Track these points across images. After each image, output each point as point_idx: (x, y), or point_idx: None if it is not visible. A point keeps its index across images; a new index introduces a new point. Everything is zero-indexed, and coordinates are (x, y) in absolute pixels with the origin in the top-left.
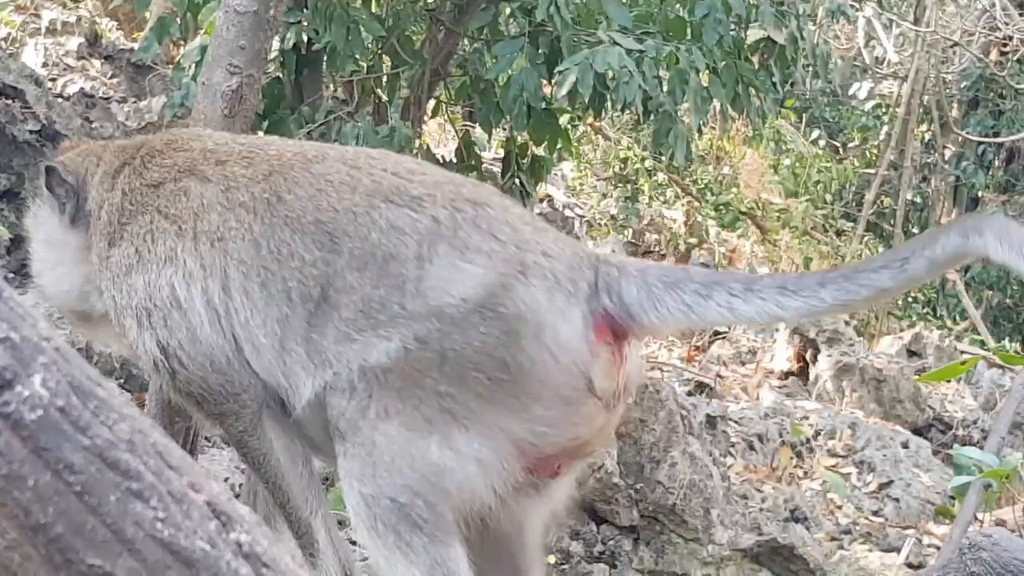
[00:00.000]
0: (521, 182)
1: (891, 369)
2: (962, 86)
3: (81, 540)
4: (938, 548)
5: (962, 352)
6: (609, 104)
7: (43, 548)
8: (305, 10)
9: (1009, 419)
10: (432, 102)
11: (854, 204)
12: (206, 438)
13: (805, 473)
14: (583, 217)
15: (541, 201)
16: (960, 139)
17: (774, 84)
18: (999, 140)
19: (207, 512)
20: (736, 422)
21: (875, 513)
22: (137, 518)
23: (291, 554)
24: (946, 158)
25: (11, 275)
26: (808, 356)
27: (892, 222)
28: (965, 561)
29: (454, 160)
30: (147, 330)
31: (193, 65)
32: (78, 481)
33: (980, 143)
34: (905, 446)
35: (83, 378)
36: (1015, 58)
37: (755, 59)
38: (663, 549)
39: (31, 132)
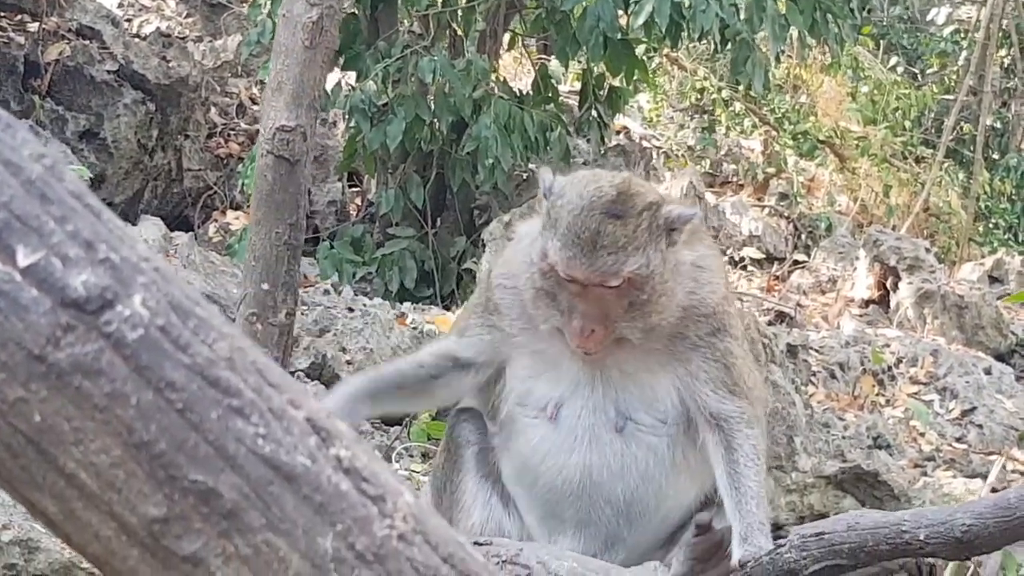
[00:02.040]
0: (598, 114)
1: (973, 295)
2: None
3: (184, 456)
4: (1021, 474)
5: None
6: (686, 33)
7: (146, 464)
8: None
9: None
10: (508, 35)
11: (933, 131)
12: (290, 372)
13: (887, 401)
14: (660, 148)
15: (618, 133)
16: None
17: (852, 10)
18: None
19: (307, 428)
20: (817, 351)
21: (958, 440)
22: (238, 434)
23: (389, 469)
24: None
25: None
26: (889, 284)
27: (972, 148)
28: None
29: (530, 93)
30: None
31: (269, 2)
32: (179, 399)
33: None
34: (988, 372)
35: (183, 297)
36: None
37: None
38: None
39: (108, 72)
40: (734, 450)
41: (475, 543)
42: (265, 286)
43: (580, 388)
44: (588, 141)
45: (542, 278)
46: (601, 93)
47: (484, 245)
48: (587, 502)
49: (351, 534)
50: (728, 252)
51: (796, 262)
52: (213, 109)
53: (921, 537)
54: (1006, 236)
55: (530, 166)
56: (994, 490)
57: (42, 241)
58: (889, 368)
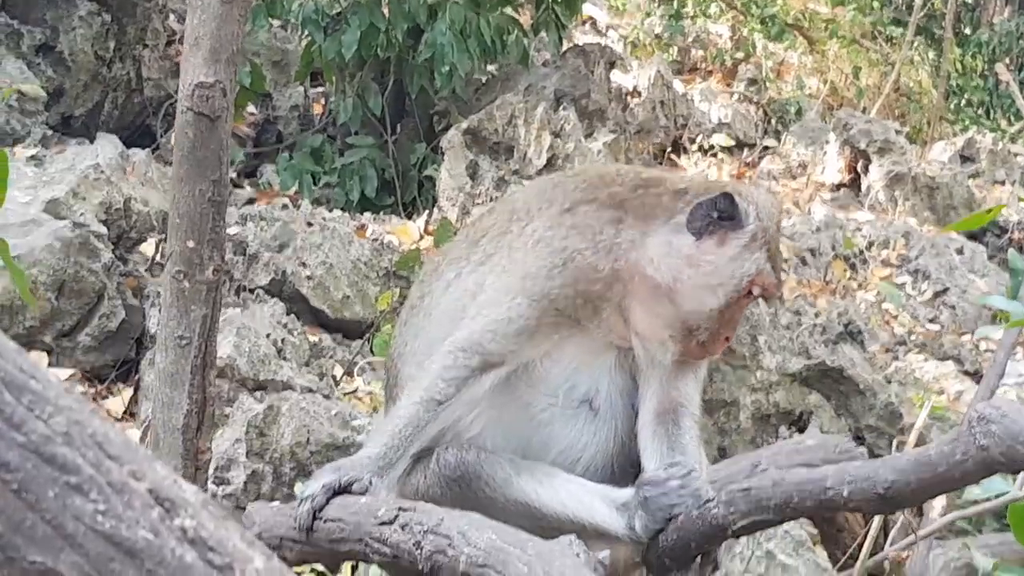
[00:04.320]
0: (556, 15)
1: (944, 176)
2: None
3: (21, 537)
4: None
5: (1016, 155)
6: None
7: None
8: None
9: None
10: None
11: (904, 7)
12: (249, 290)
13: (859, 285)
14: (626, 38)
15: (584, 23)
16: None
17: None
18: None
19: (149, 500)
20: (788, 237)
21: (931, 321)
22: (77, 512)
23: (239, 533)
24: None
25: (50, 131)
26: (859, 167)
27: (942, 25)
28: (974, 434)
29: None
30: None
31: None
32: (15, 479)
33: None
34: (960, 252)
35: (16, 372)
36: None
37: None
38: (711, 377)
39: None
40: (684, 431)
41: (400, 508)
42: (191, 243)
43: (610, 374)
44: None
45: (736, 296)
46: None
47: (443, 152)
48: (605, 473)
49: None
50: (697, 140)
51: (766, 148)
52: (172, 16)
53: (845, 493)
54: (977, 113)
55: (488, 69)
56: (967, 373)
57: None
58: (861, 252)
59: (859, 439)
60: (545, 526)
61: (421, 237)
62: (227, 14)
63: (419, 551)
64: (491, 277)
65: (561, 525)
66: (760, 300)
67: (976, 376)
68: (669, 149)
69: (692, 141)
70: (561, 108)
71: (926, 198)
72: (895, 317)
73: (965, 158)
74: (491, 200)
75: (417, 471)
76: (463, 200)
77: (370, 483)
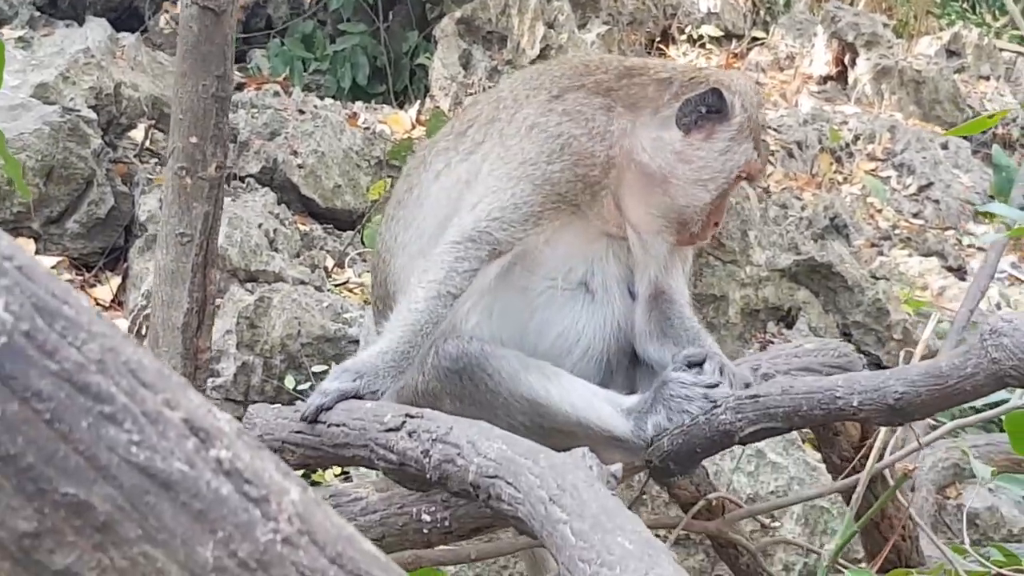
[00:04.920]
0: None
1: (930, 70)
2: None
3: (53, 469)
4: (979, 248)
5: (1001, 50)
6: None
7: (14, 479)
8: None
9: None
10: None
11: None
12: (240, 178)
13: (845, 178)
14: None
15: None
16: None
17: None
18: None
19: (184, 430)
20: (775, 130)
21: (915, 215)
22: (111, 443)
23: (274, 464)
24: None
25: (37, 12)
26: (847, 60)
27: None
28: (986, 348)
29: None
30: None
31: None
32: (47, 408)
33: None
34: (944, 147)
35: (48, 297)
36: None
37: None
38: (700, 272)
39: None
40: (686, 318)
41: (407, 415)
42: (194, 139)
43: (604, 260)
44: None
45: (727, 186)
46: None
47: (436, 41)
48: (600, 358)
49: (233, 541)
50: (687, 30)
51: (754, 39)
52: None
53: (855, 403)
54: (963, 8)
55: None
56: (950, 269)
57: None
58: (847, 145)
59: (846, 335)
60: (547, 425)
61: (413, 126)
62: None
63: (427, 459)
64: (486, 165)
65: (566, 425)
66: (749, 191)
67: (959, 271)
68: (658, 39)
69: (681, 32)
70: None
71: (912, 92)
72: (879, 211)
73: (951, 52)
74: (484, 90)
75: (413, 367)
76: (456, 90)
77: (385, 391)
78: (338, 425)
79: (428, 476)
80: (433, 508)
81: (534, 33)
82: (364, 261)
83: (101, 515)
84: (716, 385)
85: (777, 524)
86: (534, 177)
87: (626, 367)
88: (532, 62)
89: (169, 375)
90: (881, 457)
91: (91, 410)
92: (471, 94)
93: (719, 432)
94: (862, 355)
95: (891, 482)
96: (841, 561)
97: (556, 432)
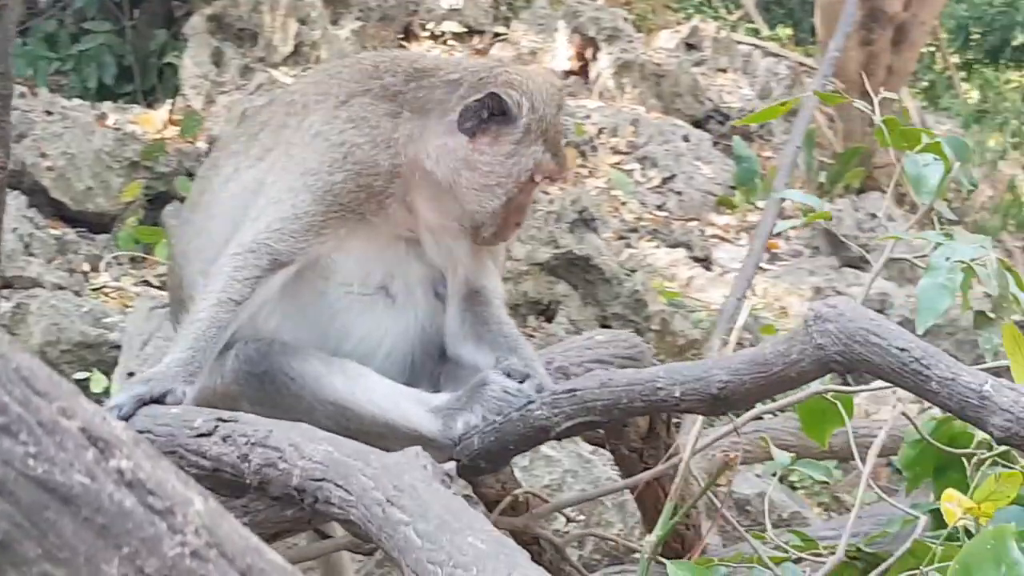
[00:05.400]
0: None
1: (670, 64)
2: None
3: None
4: (721, 238)
5: (738, 43)
6: None
7: None
8: None
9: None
10: None
11: None
12: None
13: (590, 172)
14: None
15: None
16: None
17: None
18: None
19: (82, 440)
20: None
21: (659, 208)
22: (6, 456)
23: (175, 473)
24: None
25: None
26: (588, 54)
27: None
28: (811, 333)
29: None
30: None
31: None
32: None
33: None
34: (686, 139)
35: None
36: None
37: None
38: None
39: None
40: (501, 321)
41: (219, 419)
42: None
43: (404, 264)
44: None
45: (518, 189)
46: None
47: (186, 39)
48: (404, 360)
49: (139, 556)
50: (428, 27)
51: (496, 35)
52: None
53: (677, 394)
54: (700, 2)
55: None
56: (696, 259)
57: None
58: (591, 139)
59: (605, 327)
60: (354, 427)
61: (165, 126)
62: None
63: (246, 464)
64: (272, 176)
65: (372, 426)
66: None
67: (706, 262)
68: (401, 36)
69: (423, 27)
70: None
71: (653, 85)
72: (624, 204)
73: (690, 46)
74: (237, 89)
75: (212, 370)
76: (208, 88)
77: (183, 394)
78: (142, 432)
79: (247, 481)
80: (232, 514)
81: (286, 30)
82: (120, 264)
83: None
84: (537, 383)
85: (582, 518)
86: (315, 188)
87: (431, 368)
88: (285, 60)
89: (60, 381)
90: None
91: None
92: (223, 93)
93: (534, 428)
94: None
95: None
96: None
97: (363, 434)
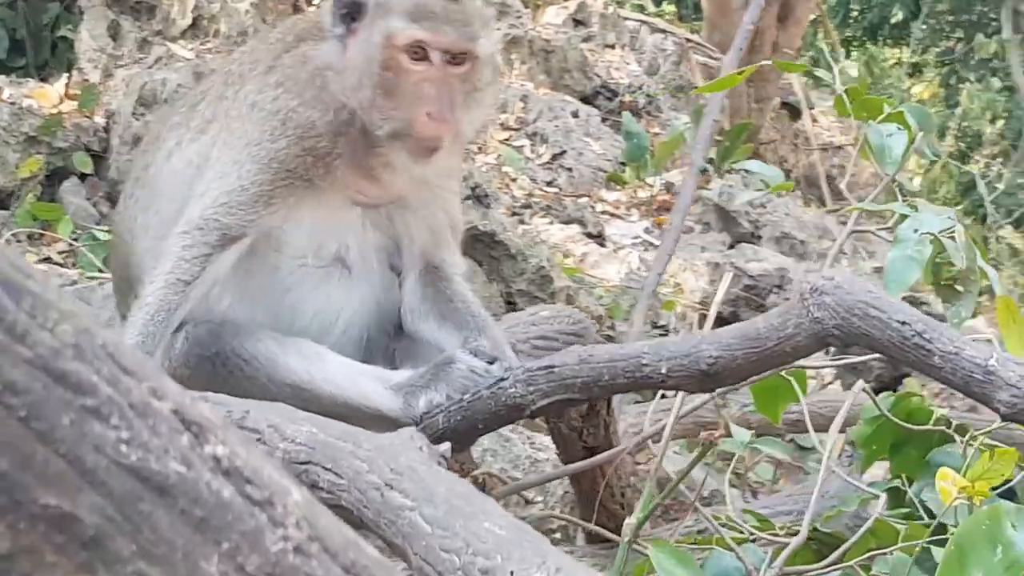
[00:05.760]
0: None
1: (559, 39)
2: None
3: (32, 476)
4: (611, 214)
5: (625, 19)
6: None
7: None
8: None
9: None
10: None
11: None
12: None
13: (479, 148)
14: None
15: None
16: None
17: None
18: None
19: (176, 424)
20: None
21: (549, 184)
22: (97, 442)
23: (270, 460)
24: None
25: None
26: None
27: None
28: (807, 306)
29: None
30: None
31: None
32: (22, 403)
33: None
34: (575, 115)
35: (11, 271)
36: None
37: None
38: None
39: None
40: (460, 294)
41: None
42: None
43: (359, 232)
44: None
45: (383, 71)
46: None
47: (81, 12)
48: (360, 335)
49: (240, 552)
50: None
51: None
52: None
53: (663, 370)
54: None
55: None
56: (590, 235)
57: None
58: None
59: (511, 304)
60: (313, 408)
61: (62, 100)
62: None
63: None
64: (215, 150)
65: (332, 407)
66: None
67: (599, 238)
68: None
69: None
70: None
71: (542, 61)
72: (515, 180)
73: (577, 22)
74: (135, 63)
75: (162, 353)
76: (105, 62)
77: None
78: None
79: None
80: None
81: (185, 3)
82: (19, 242)
83: (88, 529)
84: (501, 362)
85: (540, 499)
86: (259, 157)
87: (386, 344)
88: (183, 32)
89: (146, 360)
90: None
91: (72, 404)
92: (121, 66)
93: (507, 406)
94: None
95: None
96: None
97: (322, 415)
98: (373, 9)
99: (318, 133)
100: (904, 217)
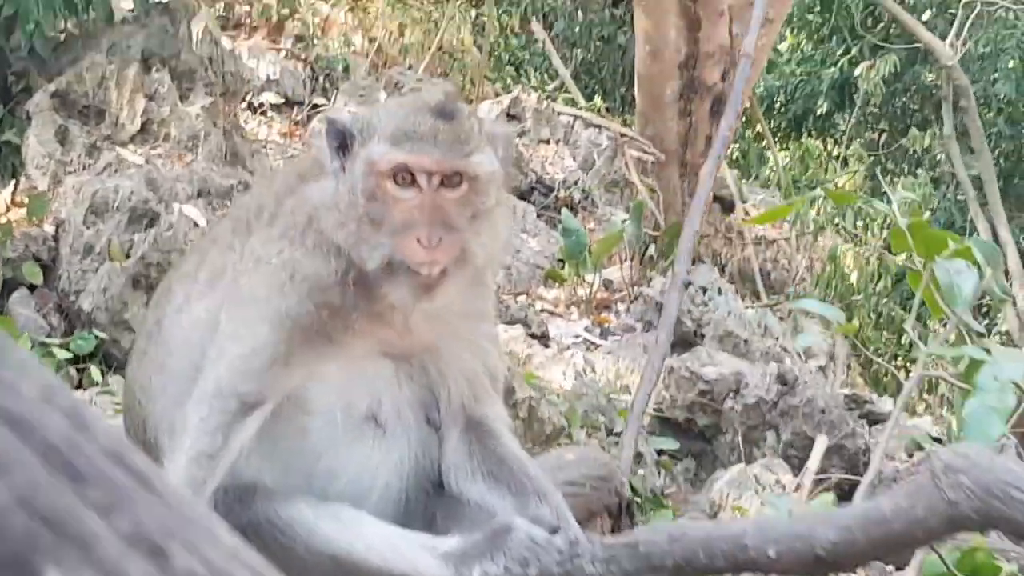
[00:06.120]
0: None
1: None
2: None
3: None
4: (551, 312)
5: (559, 114)
6: None
7: None
8: None
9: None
10: None
11: None
12: None
13: None
14: None
15: None
16: None
17: None
18: None
19: None
20: None
21: None
22: None
23: None
24: None
25: None
26: None
27: None
28: (940, 487)
29: None
30: None
31: None
32: None
33: None
34: (512, 212)
35: None
36: None
37: None
38: None
39: None
40: (508, 446)
41: None
42: None
43: (392, 387)
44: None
45: (369, 200)
46: None
47: (29, 117)
48: (399, 497)
49: None
50: (247, 98)
51: (316, 106)
52: None
53: (771, 554)
54: (519, 72)
55: (67, 26)
56: (533, 336)
57: None
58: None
59: None
60: None
61: (8, 208)
62: None
63: None
64: (225, 309)
65: None
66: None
67: (543, 339)
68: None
69: (243, 99)
70: (154, 70)
71: None
72: None
73: (512, 116)
74: (84, 168)
75: None
76: (54, 168)
77: None
78: None
79: None
80: None
81: (134, 107)
82: None
83: None
84: (567, 534)
85: None
86: (270, 317)
87: (425, 505)
88: (132, 138)
89: None
90: None
91: None
92: (71, 173)
93: None
94: None
95: None
96: None
97: None
98: (359, 136)
99: (327, 285)
100: (978, 363)
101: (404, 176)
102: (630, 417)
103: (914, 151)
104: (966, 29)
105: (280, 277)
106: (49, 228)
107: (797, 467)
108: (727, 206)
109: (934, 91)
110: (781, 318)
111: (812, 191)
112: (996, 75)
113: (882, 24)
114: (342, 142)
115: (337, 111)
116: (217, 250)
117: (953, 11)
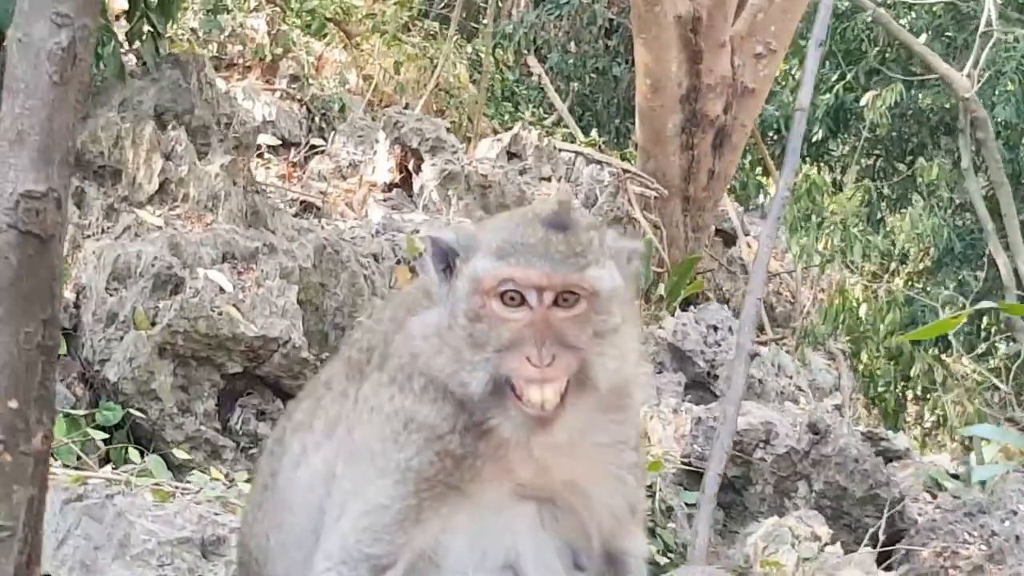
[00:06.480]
0: (151, 22)
1: (495, 174)
2: None
3: None
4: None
5: (561, 150)
6: None
7: None
8: None
9: None
10: None
11: (444, 3)
12: None
13: None
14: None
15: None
16: None
17: None
18: None
19: None
20: (349, 241)
21: None
22: None
23: None
24: None
25: None
26: (411, 166)
27: (478, 19)
28: None
29: None
30: None
31: None
32: None
33: None
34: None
35: None
36: None
37: None
38: None
39: None
40: None
41: None
42: (13, 404)
43: (533, 532)
44: (141, 55)
45: (473, 322)
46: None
47: None
48: None
49: None
50: (242, 140)
51: (313, 147)
52: None
53: None
54: (516, 108)
55: None
56: None
57: None
58: (421, 254)
59: None
60: None
61: None
62: (60, 99)
63: None
64: (341, 464)
65: None
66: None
67: None
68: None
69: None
70: (170, 128)
71: (479, 196)
72: None
73: (512, 154)
74: (103, 232)
75: None
76: (72, 232)
77: None
78: None
79: None
80: None
81: (151, 166)
82: None
83: None
84: None
85: None
86: (389, 471)
87: None
88: (150, 198)
89: None
90: None
91: None
92: (89, 236)
93: None
94: None
95: None
96: None
97: None
98: (463, 252)
99: (443, 433)
100: None
101: (512, 295)
102: (701, 499)
103: (920, 179)
104: (972, 55)
105: (394, 426)
106: (70, 295)
107: (831, 518)
108: (728, 239)
109: (931, 116)
110: (788, 351)
111: (817, 220)
112: (995, 98)
113: (878, 48)
114: (448, 263)
115: (439, 228)
116: (331, 397)
117: (950, 34)
